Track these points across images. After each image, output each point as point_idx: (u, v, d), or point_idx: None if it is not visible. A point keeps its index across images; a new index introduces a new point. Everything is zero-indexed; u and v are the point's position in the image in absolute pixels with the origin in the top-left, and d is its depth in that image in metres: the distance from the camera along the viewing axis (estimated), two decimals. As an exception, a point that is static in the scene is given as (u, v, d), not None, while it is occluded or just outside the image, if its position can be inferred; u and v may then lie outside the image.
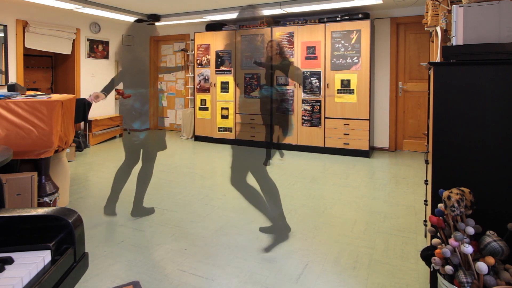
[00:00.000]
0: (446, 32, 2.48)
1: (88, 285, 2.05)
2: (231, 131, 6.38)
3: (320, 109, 5.54)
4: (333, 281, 2.09)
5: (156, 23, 6.99)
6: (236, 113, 6.33)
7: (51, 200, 2.81)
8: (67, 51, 6.17)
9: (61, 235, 1.10)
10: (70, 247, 1.10)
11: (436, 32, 2.69)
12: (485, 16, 1.69)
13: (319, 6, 5.30)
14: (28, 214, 1.11)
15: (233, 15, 6.09)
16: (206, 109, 6.65)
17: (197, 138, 6.79)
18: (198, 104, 6.77)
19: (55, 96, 3.05)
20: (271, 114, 6.26)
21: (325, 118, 5.51)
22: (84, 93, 6.45)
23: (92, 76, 6.70)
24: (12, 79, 5.36)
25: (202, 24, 7.15)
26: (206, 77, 6.67)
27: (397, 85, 5.74)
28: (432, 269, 1.70)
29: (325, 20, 5.71)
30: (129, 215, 3.08)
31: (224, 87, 6.46)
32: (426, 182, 2.43)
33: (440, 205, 1.62)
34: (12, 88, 3.22)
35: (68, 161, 4.24)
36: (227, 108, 6.43)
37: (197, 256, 2.38)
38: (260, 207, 2.59)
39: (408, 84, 5.70)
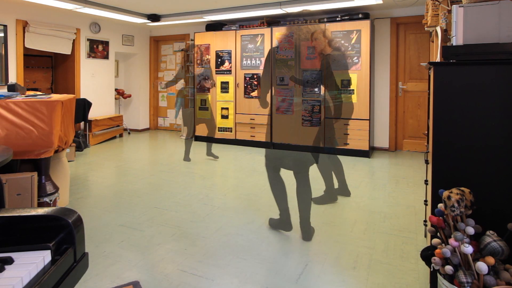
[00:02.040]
0: (446, 32, 2.48)
1: (88, 285, 2.05)
2: (231, 131, 6.38)
3: (320, 109, 5.54)
4: (333, 281, 2.09)
5: (156, 23, 6.99)
6: (236, 113, 6.33)
7: (51, 200, 2.81)
8: (67, 51, 6.17)
9: (61, 235, 1.10)
10: (70, 247, 1.10)
11: (436, 32, 2.69)
12: (485, 16, 1.69)
13: (319, 6, 5.31)
14: (28, 214, 1.11)
15: (233, 15, 6.10)
16: (206, 109, 6.65)
17: (197, 138, 6.79)
18: (198, 104, 6.77)
19: (55, 96, 3.05)
20: (271, 114, 6.30)
21: (325, 118, 5.50)
22: (84, 93, 6.45)
23: (92, 76, 6.70)
24: (12, 79, 5.36)
25: (202, 24, 7.15)
26: (206, 77, 6.67)
27: (397, 85, 5.74)
28: (432, 269, 1.70)
29: (325, 20, 5.71)
30: (129, 215, 3.08)
31: (224, 87, 6.46)
32: (426, 182, 2.43)
33: (440, 205, 1.62)
34: (12, 88, 3.22)
35: (68, 161, 4.25)
36: (227, 108, 6.43)
37: (197, 256, 2.38)
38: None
39: (408, 84, 5.70)
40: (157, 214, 3.12)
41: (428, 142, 2.20)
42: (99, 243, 2.58)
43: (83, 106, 5.53)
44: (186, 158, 5.21)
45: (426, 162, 2.30)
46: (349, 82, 5.36)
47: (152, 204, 3.36)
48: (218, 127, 6.54)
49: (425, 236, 2.59)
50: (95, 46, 6.72)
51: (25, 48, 5.56)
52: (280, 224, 2.82)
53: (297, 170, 2.91)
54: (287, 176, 2.94)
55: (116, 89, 7.38)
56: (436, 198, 1.71)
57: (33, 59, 6.31)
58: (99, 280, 2.10)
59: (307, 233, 2.69)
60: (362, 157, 5.27)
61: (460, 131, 1.70)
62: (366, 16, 5.35)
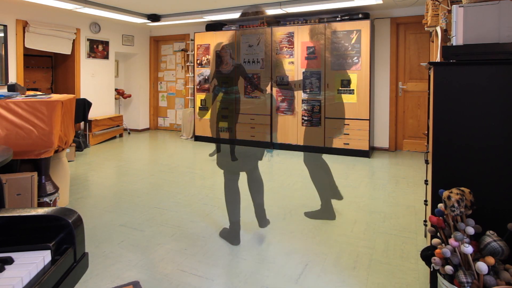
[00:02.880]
0: (446, 32, 2.48)
1: (88, 285, 2.05)
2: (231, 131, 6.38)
3: (320, 109, 5.54)
4: (333, 281, 2.09)
5: (156, 23, 6.99)
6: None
7: (51, 200, 2.81)
8: (67, 51, 6.17)
9: (61, 235, 1.10)
10: (70, 247, 1.10)
11: (436, 32, 2.69)
12: (485, 16, 1.69)
13: (319, 6, 5.31)
14: (28, 214, 1.11)
15: (233, 15, 6.10)
16: (206, 109, 6.65)
17: (197, 138, 6.79)
18: (198, 104, 6.77)
19: (55, 96, 3.05)
20: (271, 114, 6.30)
21: (325, 118, 5.51)
22: (84, 93, 6.45)
23: (92, 76, 6.70)
24: (12, 79, 5.36)
25: (202, 24, 7.15)
26: (206, 77, 6.67)
27: (397, 85, 5.74)
28: (432, 269, 1.70)
29: (325, 20, 5.71)
30: (129, 215, 3.09)
31: (224, 87, 6.45)
32: (426, 182, 2.43)
33: (440, 205, 1.62)
34: (12, 88, 3.22)
35: (68, 161, 4.25)
36: (227, 108, 6.43)
37: (197, 256, 2.38)
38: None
39: (408, 84, 5.70)
40: (157, 214, 3.12)
41: (428, 142, 2.20)
42: (99, 243, 2.58)
43: (83, 106, 5.53)
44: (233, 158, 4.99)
45: (426, 162, 2.30)
46: (349, 82, 5.36)
47: (152, 204, 3.36)
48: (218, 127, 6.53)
49: (425, 236, 2.59)
50: (95, 46, 6.72)
51: (25, 48, 5.56)
52: (229, 236, 2.64)
53: (247, 165, 2.86)
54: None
55: (116, 89, 7.38)
56: (436, 198, 1.70)
57: (33, 59, 6.31)
58: (99, 280, 2.10)
59: (263, 220, 2.77)
60: (362, 157, 5.27)
61: (460, 131, 1.70)
62: (366, 16, 5.35)
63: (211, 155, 5.27)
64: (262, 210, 2.80)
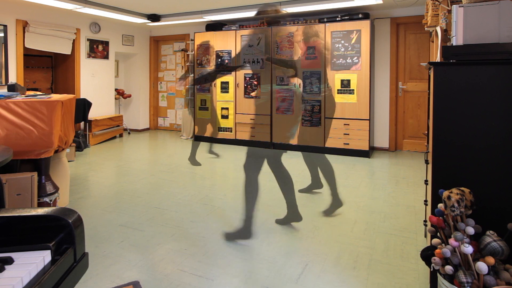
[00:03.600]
0: (446, 32, 2.48)
1: (88, 285, 2.05)
2: (231, 131, 6.39)
3: (320, 109, 5.54)
4: (333, 281, 2.09)
5: (156, 23, 6.99)
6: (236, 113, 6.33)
7: (51, 200, 2.81)
8: (67, 51, 6.17)
9: (61, 235, 1.10)
10: (70, 247, 1.10)
11: (436, 32, 2.69)
12: (485, 16, 1.69)
13: (319, 6, 5.31)
14: (28, 214, 1.11)
15: (233, 15, 6.10)
16: (206, 109, 6.65)
17: (197, 138, 6.79)
18: (198, 104, 6.77)
19: (55, 96, 3.05)
20: (270, 113, 6.30)
21: (325, 118, 5.51)
22: (84, 93, 6.45)
23: (92, 76, 6.70)
24: (12, 79, 5.36)
25: (202, 24, 7.15)
26: (206, 77, 6.66)
27: (397, 85, 5.74)
28: (432, 269, 1.70)
29: (325, 20, 5.71)
30: (129, 215, 3.08)
31: (224, 87, 6.46)
32: (426, 182, 2.43)
33: (440, 205, 1.62)
34: (12, 88, 3.22)
35: (68, 161, 4.25)
36: (227, 108, 6.43)
37: (197, 256, 2.38)
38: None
39: (408, 84, 5.70)
40: (157, 214, 3.12)
41: (428, 142, 2.20)
42: (99, 243, 2.58)
43: (83, 106, 5.53)
44: (192, 159, 5.08)
45: (426, 162, 2.30)
46: (348, 82, 5.35)
47: (152, 204, 3.36)
48: (218, 127, 6.54)
49: (425, 236, 2.59)
50: (95, 46, 6.72)
51: (25, 48, 5.56)
52: (240, 232, 2.66)
53: (272, 165, 3.01)
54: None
55: (116, 89, 7.38)
56: (436, 198, 1.71)
57: (33, 59, 6.31)
58: (99, 280, 2.10)
59: (296, 215, 2.91)
60: (362, 157, 5.27)
61: (460, 131, 1.70)
62: (366, 16, 5.35)
63: (190, 159, 5.18)
64: (294, 206, 2.93)
